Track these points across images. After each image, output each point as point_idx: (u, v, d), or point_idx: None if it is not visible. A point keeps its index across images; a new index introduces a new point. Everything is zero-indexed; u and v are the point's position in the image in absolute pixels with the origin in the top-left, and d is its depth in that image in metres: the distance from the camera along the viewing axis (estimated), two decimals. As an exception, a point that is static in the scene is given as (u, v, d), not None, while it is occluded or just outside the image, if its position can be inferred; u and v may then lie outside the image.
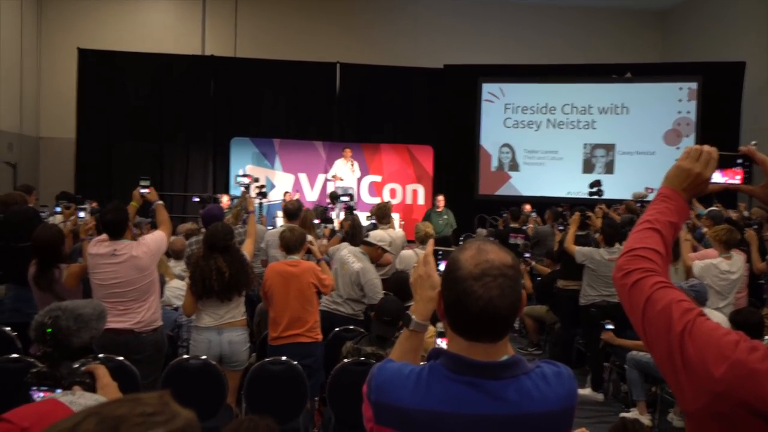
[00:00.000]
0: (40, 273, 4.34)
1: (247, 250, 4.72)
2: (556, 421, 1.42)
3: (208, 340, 4.32)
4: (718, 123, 12.20)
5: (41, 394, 2.13)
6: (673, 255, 5.85)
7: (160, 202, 4.77)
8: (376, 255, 5.46)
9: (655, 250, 1.49)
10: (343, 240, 5.93)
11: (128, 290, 4.15)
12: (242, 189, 6.90)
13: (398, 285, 4.90)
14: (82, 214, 5.98)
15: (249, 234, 5.11)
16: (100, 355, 3.73)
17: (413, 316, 1.68)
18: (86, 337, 2.45)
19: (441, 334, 1.92)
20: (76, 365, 2.19)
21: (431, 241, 1.94)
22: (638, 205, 8.37)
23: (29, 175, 13.44)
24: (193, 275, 4.33)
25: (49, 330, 2.37)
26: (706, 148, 1.59)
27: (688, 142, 12.42)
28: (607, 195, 9.46)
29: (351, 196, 8.07)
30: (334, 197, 8.86)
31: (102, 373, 2.07)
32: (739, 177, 1.68)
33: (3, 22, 12.56)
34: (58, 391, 2.09)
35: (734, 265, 5.65)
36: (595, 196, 7.76)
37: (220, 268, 4.24)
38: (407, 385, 1.42)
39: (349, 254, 5.33)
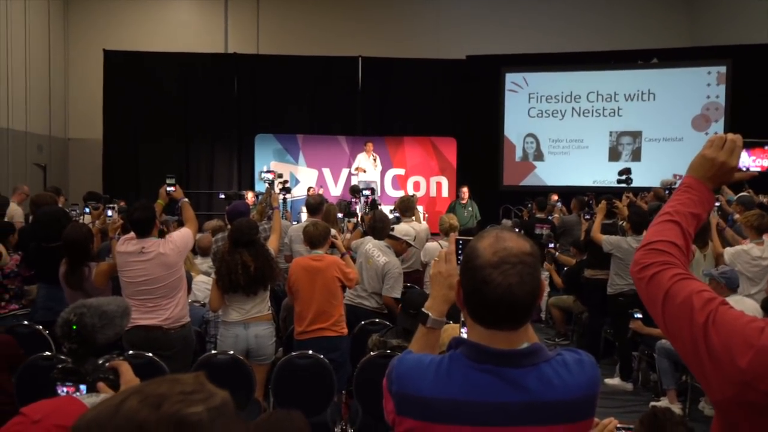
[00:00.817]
0: (71, 272, 4.43)
1: (272, 245, 4.76)
2: (578, 408, 1.41)
3: (235, 335, 4.37)
4: (748, 107, 11.94)
5: (66, 389, 2.17)
6: (702, 241, 5.76)
7: (186, 199, 4.82)
8: (402, 249, 5.48)
9: (673, 242, 1.47)
10: (364, 234, 5.93)
11: (156, 287, 4.20)
12: (266, 185, 6.94)
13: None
14: (110, 213, 6.09)
15: (274, 230, 5.14)
16: (130, 352, 3.81)
17: (430, 313, 1.68)
18: (111, 334, 2.49)
19: (465, 324, 1.91)
20: (101, 361, 2.24)
21: (453, 237, 1.92)
22: (666, 192, 8.24)
23: (59, 176, 13.71)
24: (219, 270, 4.39)
25: (74, 327, 2.41)
26: (731, 136, 1.56)
27: (717, 127, 12.18)
28: (635, 183, 9.30)
29: (372, 189, 8.07)
30: (355, 191, 8.87)
31: (125, 369, 2.10)
32: (767, 161, 1.65)
33: (31, 28, 12.80)
34: (83, 389, 2.13)
35: (766, 250, 5.54)
36: (623, 185, 7.64)
37: (245, 263, 4.29)
38: (428, 375, 1.43)
39: (374, 248, 5.33)
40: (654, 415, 2.33)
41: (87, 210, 6.71)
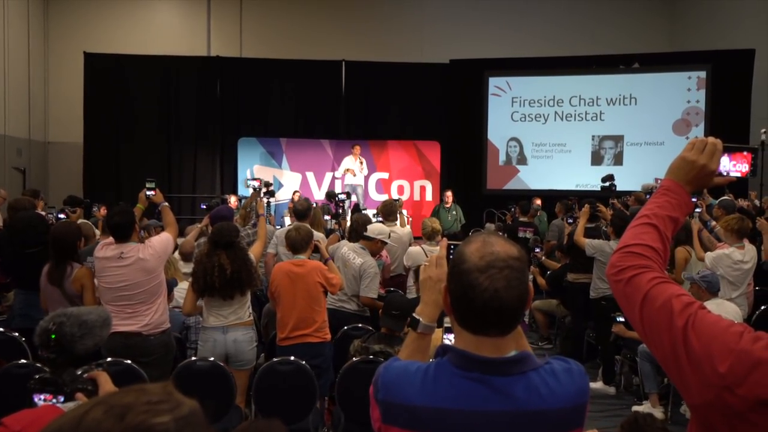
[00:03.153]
0: (54, 267, 4.36)
1: (255, 252, 4.71)
2: (566, 418, 1.39)
3: (213, 339, 4.33)
4: (727, 112, 12.09)
5: (43, 398, 2.13)
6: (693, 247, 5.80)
7: (166, 204, 4.77)
8: (377, 248, 5.45)
9: (650, 246, 1.46)
10: (342, 238, 5.92)
11: (136, 293, 4.14)
12: (252, 191, 6.89)
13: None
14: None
15: (260, 237, 5.10)
16: (108, 359, 3.75)
17: (421, 319, 1.66)
18: (90, 344, 2.45)
19: (448, 330, 1.89)
20: (79, 372, 2.19)
21: (444, 242, 1.88)
22: (647, 196, 8.29)
23: (39, 179, 13.53)
24: (195, 272, 4.34)
25: (53, 336, 2.37)
26: (711, 139, 1.56)
27: (698, 131, 12.31)
28: (617, 187, 9.38)
29: (348, 194, 8.08)
30: (331, 196, 8.84)
31: (104, 380, 2.06)
32: (746, 165, 1.65)
33: (10, 30, 12.64)
34: (62, 399, 2.09)
35: (747, 254, 5.59)
36: (608, 191, 7.70)
37: (222, 265, 4.24)
38: (414, 383, 1.41)
39: (349, 251, 5.33)
40: (635, 420, 2.33)
41: (60, 216, 6.56)
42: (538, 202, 10.61)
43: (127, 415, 0.62)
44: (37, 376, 2.21)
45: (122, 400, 0.64)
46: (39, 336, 2.42)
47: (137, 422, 0.62)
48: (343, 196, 7.78)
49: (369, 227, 5.47)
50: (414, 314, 1.68)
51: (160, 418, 0.63)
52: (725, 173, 1.60)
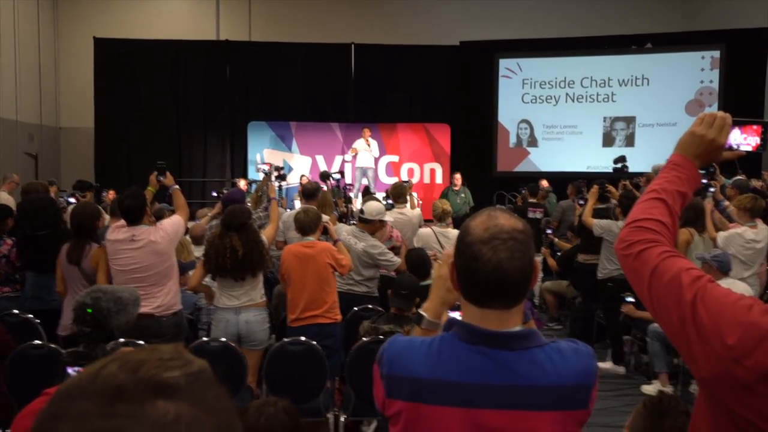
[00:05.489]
0: (74, 246, 4.41)
1: (268, 235, 4.73)
2: (569, 395, 1.39)
3: (226, 320, 4.37)
4: (741, 92, 11.95)
5: (77, 372, 2.21)
6: (701, 225, 5.77)
7: (177, 186, 4.79)
8: (376, 228, 5.40)
9: (659, 220, 1.46)
10: (341, 219, 5.89)
11: (148, 275, 4.18)
12: (263, 175, 6.90)
13: (416, 263, 4.88)
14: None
15: (272, 220, 5.12)
16: (121, 340, 3.79)
17: (426, 315, 1.66)
18: (123, 320, 2.53)
19: (455, 308, 1.89)
20: (108, 348, 2.26)
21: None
22: (658, 177, 8.23)
23: (50, 165, 13.64)
24: (208, 253, 4.37)
25: (90, 310, 2.44)
26: (720, 114, 1.55)
27: (710, 111, 12.17)
28: (629, 169, 9.31)
29: (342, 173, 8.09)
30: (325, 176, 8.80)
31: None
32: (757, 138, 1.63)
33: (21, 16, 12.67)
34: None
35: (760, 234, 5.55)
36: (620, 173, 7.64)
37: (234, 246, 4.26)
38: (419, 355, 1.42)
39: (348, 236, 5.29)
40: (660, 401, 2.30)
41: (71, 200, 6.61)
42: (545, 183, 10.59)
43: (140, 369, 0.66)
44: (71, 350, 2.28)
45: (136, 357, 0.69)
46: (75, 310, 2.51)
47: (149, 376, 0.66)
48: (337, 176, 7.74)
49: (365, 208, 5.40)
50: (420, 310, 1.68)
51: (171, 373, 0.67)
52: (735, 147, 1.59)
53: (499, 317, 1.39)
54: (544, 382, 1.37)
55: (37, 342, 3.81)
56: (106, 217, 6.19)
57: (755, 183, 7.92)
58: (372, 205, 5.45)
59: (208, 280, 4.65)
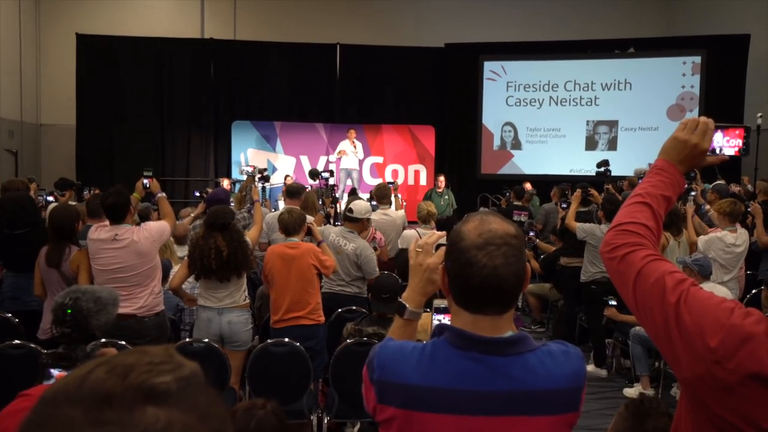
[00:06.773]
0: (53, 249, 4.35)
1: (252, 236, 4.71)
2: (561, 399, 1.40)
3: (208, 319, 4.35)
4: (722, 97, 12.10)
5: (58, 372, 2.19)
6: (676, 229, 5.83)
7: (163, 194, 4.77)
8: (363, 227, 5.37)
9: (644, 224, 1.48)
10: (328, 220, 5.86)
11: (130, 275, 4.14)
12: (246, 177, 6.87)
13: (406, 266, 4.85)
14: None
15: (256, 221, 5.10)
16: (102, 340, 3.75)
17: (407, 305, 1.65)
18: (103, 321, 2.50)
19: (439, 311, 1.88)
20: (89, 348, 2.24)
21: (437, 236, 1.78)
22: (640, 181, 8.32)
23: (31, 162, 13.46)
24: (192, 254, 4.34)
25: (69, 311, 2.42)
26: (703, 119, 1.57)
27: (692, 116, 12.30)
28: (611, 172, 9.38)
29: (331, 172, 8.06)
30: (314, 174, 8.77)
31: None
32: (739, 141, 1.66)
33: (2, 11, 12.49)
34: None
35: (739, 238, 5.62)
36: (603, 177, 7.69)
37: (218, 247, 4.24)
38: (410, 362, 1.41)
39: (337, 237, 5.25)
40: (640, 402, 2.31)
41: (50, 199, 6.49)
42: (529, 186, 10.65)
43: (129, 375, 0.64)
44: (50, 351, 2.25)
45: (125, 361, 0.66)
46: (55, 311, 2.48)
47: (139, 381, 0.63)
48: (326, 174, 7.72)
49: (354, 206, 5.36)
50: (400, 299, 1.67)
51: (162, 378, 0.64)
52: (718, 150, 1.61)
53: (491, 323, 1.39)
54: (537, 387, 1.37)
55: (17, 342, 3.76)
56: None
57: (734, 188, 8.02)
58: (360, 204, 5.42)
59: (190, 281, 4.62)
